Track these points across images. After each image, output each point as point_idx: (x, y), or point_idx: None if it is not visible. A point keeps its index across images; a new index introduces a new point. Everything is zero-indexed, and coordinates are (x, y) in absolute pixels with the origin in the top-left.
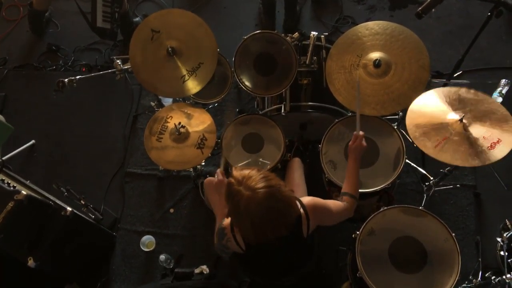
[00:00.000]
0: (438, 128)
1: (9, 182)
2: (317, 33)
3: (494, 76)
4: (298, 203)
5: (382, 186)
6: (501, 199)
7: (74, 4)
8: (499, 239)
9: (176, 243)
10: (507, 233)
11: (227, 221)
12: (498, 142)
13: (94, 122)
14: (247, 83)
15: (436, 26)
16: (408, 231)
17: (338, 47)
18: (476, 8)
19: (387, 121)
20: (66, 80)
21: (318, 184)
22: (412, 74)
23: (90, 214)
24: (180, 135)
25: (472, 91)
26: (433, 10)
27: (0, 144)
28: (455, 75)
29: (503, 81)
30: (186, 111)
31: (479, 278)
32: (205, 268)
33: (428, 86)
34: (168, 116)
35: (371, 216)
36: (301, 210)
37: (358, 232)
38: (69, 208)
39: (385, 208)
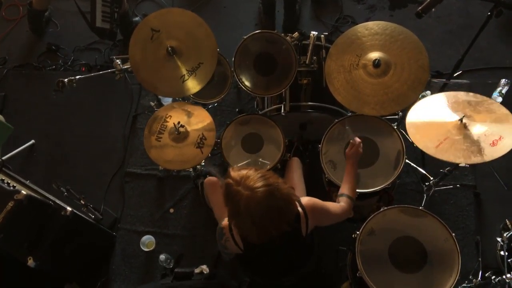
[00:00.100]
0: (438, 129)
1: (9, 182)
2: (317, 33)
3: (494, 76)
4: (297, 203)
5: (382, 186)
6: (501, 199)
7: (74, 3)
8: (499, 239)
9: (176, 243)
10: (507, 233)
11: (225, 221)
12: (500, 139)
13: (93, 122)
14: (246, 83)
15: (436, 25)
16: (408, 231)
17: (337, 46)
18: (476, 7)
19: (387, 121)
20: (66, 80)
21: (318, 184)
22: (411, 74)
23: (90, 214)
24: (180, 134)
25: (471, 94)
26: (433, 9)
27: (0, 144)
28: (455, 75)
29: (503, 80)
30: (185, 109)
31: (479, 278)
32: (205, 268)
33: (428, 86)
34: (167, 115)
35: (371, 216)
36: (300, 209)
37: (358, 232)
38: (69, 208)
39: (385, 208)
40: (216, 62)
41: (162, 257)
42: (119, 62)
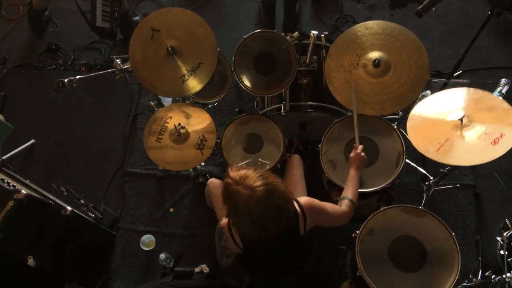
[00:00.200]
0: (439, 130)
1: (9, 181)
2: (317, 32)
3: (494, 76)
4: (295, 202)
5: (382, 185)
6: (501, 199)
7: (74, 3)
8: (499, 238)
9: (176, 242)
10: (507, 232)
11: (224, 220)
12: (501, 136)
13: (93, 122)
14: (247, 83)
15: (436, 25)
16: (408, 230)
17: (337, 46)
18: (476, 7)
19: (387, 121)
20: (66, 80)
21: (318, 184)
22: (411, 74)
23: (90, 214)
24: (180, 136)
25: (472, 89)
26: (433, 9)
27: (0, 144)
28: (455, 75)
29: (503, 80)
30: (185, 111)
31: (479, 277)
32: (205, 267)
33: (428, 86)
34: (167, 117)
35: (371, 216)
36: (298, 209)
37: (358, 232)
38: (69, 208)
39: (385, 207)
40: (216, 62)
41: (162, 256)
42: (119, 62)
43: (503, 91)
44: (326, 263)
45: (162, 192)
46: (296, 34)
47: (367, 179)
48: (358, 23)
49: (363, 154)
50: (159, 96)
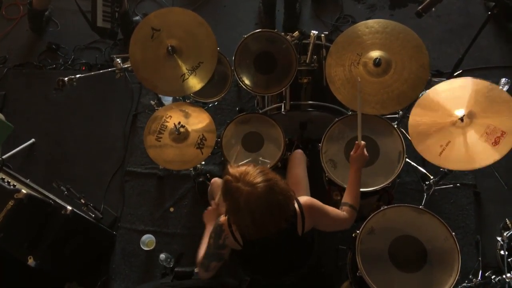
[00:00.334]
0: (440, 132)
1: (9, 180)
2: (317, 32)
3: (494, 75)
4: (295, 201)
5: (382, 185)
6: (501, 198)
7: (74, 3)
8: (499, 238)
9: (176, 242)
10: (507, 232)
11: (223, 217)
12: (502, 135)
13: (94, 121)
14: (247, 82)
15: (436, 25)
16: (408, 230)
17: (337, 45)
18: (476, 7)
19: (387, 120)
20: (66, 79)
21: (318, 183)
22: (412, 73)
23: (90, 213)
24: (180, 135)
25: (469, 78)
26: (433, 9)
27: (0, 143)
28: (455, 74)
29: (503, 80)
30: (185, 110)
31: (479, 278)
32: None
33: (428, 85)
34: (167, 116)
35: (371, 215)
36: (297, 208)
37: (358, 231)
38: (69, 207)
39: (385, 207)
40: (216, 61)
41: (162, 256)
42: (119, 61)
43: (504, 91)
44: (326, 263)
45: (162, 191)
46: (296, 33)
47: (367, 179)
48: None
49: (366, 153)
50: (159, 95)
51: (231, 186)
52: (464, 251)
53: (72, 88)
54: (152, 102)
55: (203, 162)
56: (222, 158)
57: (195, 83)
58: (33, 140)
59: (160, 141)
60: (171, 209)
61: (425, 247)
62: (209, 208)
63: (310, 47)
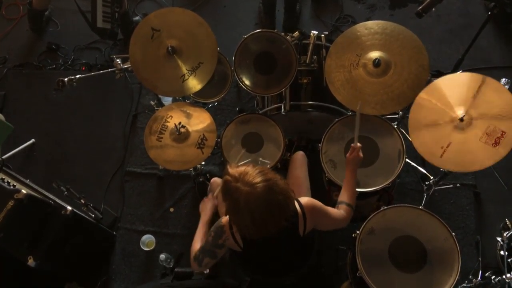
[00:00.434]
0: (440, 132)
1: (9, 181)
2: (317, 32)
3: (494, 75)
4: (296, 202)
5: (382, 185)
6: (501, 199)
7: (74, 3)
8: (499, 239)
9: (176, 242)
10: (507, 232)
11: (225, 218)
12: (502, 135)
13: (94, 121)
14: (247, 82)
15: (436, 25)
16: (408, 230)
17: (337, 46)
18: (476, 7)
19: (387, 121)
20: (66, 79)
21: (318, 184)
22: (411, 73)
23: (90, 213)
24: (180, 135)
25: (468, 73)
26: (433, 9)
27: (0, 143)
28: None
29: (503, 80)
30: (185, 110)
31: (479, 278)
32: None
33: None
34: (168, 116)
35: (371, 216)
36: (299, 209)
37: (358, 232)
38: (69, 207)
39: (385, 207)
40: (216, 62)
41: (162, 256)
42: (119, 61)
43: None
44: (326, 263)
45: (162, 191)
46: (296, 34)
47: (367, 179)
48: (358, 23)
49: (361, 154)
50: (159, 96)
51: (231, 186)
52: (464, 251)
53: (72, 88)
54: (152, 103)
55: (203, 163)
56: (222, 159)
57: (195, 83)
58: (33, 140)
59: (161, 141)
60: (171, 209)
61: (425, 247)
62: (205, 198)
63: (310, 47)
